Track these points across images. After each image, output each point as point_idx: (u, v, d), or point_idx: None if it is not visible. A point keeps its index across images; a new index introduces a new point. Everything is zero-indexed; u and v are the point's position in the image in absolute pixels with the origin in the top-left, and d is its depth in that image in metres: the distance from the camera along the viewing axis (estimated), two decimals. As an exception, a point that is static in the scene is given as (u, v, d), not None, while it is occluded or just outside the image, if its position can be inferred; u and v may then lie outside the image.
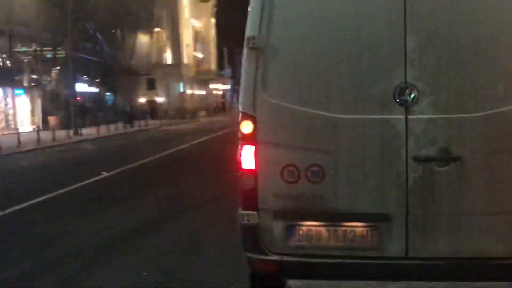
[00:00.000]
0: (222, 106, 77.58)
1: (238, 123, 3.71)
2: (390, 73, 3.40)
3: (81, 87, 38.42)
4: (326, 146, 3.49)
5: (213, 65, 74.99)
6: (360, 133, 3.45)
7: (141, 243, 6.36)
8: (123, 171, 13.10)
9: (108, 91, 47.86)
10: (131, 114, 37.40)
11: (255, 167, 3.58)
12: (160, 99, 59.17)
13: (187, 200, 8.92)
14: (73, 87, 30.19)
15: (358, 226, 3.50)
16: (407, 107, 3.38)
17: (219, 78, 75.38)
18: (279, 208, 3.56)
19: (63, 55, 35.62)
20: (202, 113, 63.40)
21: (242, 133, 3.64)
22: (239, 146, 3.69)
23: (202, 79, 68.61)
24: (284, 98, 3.54)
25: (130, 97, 51.17)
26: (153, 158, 15.84)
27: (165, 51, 53.92)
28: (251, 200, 3.61)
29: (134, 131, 33.13)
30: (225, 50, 74.47)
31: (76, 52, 31.08)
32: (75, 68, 30.10)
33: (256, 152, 3.58)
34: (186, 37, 63.41)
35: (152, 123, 40.92)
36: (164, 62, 57.91)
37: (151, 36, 56.59)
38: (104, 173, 12.52)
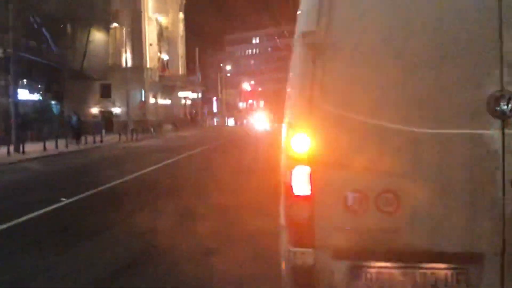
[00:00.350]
0: (191, 118, 77.47)
1: (286, 137, 3.62)
2: (482, 79, 3.35)
3: (22, 94, 37.91)
4: (401, 168, 3.42)
5: (181, 69, 75.01)
6: (445, 152, 3.38)
7: (132, 286, 6.15)
8: (86, 198, 12.85)
9: (54, 99, 47.33)
10: (78, 128, 36.21)
11: (311, 193, 3.50)
12: (116, 110, 58.84)
13: (170, 235, 8.72)
14: (15, 93, 29.68)
15: (441, 268, 3.41)
16: (504, 119, 3.32)
17: (188, 84, 75.36)
18: (342, 245, 3.49)
19: (1, 55, 35.17)
20: (168, 126, 63.14)
21: (293, 151, 3.54)
22: (288, 167, 3.59)
23: (168, 86, 68.51)
24: (348, 107, 3.47)
25: (80, 107, 50.75)
26: (118, 182, 15.60)
27: (124, 52, 53.60)
28: (305, 235, 3.51)
29: (88, 149, 32.74)
30: (196, 50, 74.72)
31: (17, 51, 30.61)
32: (16, 71, 29.61)
33: (312, 175, 3.50)
34: (150, 34, 63.38)
35: (108, 138, 40.53)
36: (122, 64, 57.63)
37: (108, 33, 56.40)
38: (64, 199, 12.26)
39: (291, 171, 3.55)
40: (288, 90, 3.72)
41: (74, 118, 36.77)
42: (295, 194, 3.53)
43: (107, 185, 14.83)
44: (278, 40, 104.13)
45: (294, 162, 3.54)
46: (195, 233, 8.68)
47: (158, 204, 11.69)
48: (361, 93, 3.48)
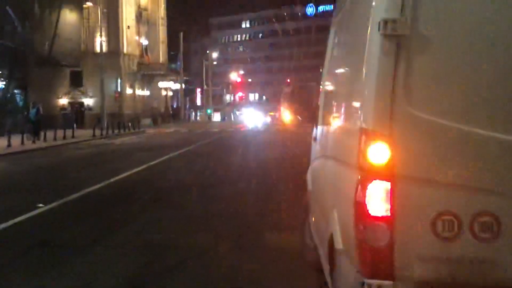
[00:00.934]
0: (173, 112, 77.22)
1: (359, 146, 3.43)
2: None
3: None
4: (503, 185, 3.28)
5: (162, 56, 74.76)
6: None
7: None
8: (67, 203, 12.63)
9: (18, 88, 46.92)
10: (36, 122, 34.94)
11: (391, 214, 3.32)
12: (88, 101, 58.52)
13: (174, 249, 8.56)
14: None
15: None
16: None
17: (169, 73, 75.14)
18: (428, 277, 3.33)
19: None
20: (147, 121, 62.95)
21: (368, 162, 3.36)
22: (361, 181, 3.41)
23: (147, 75, 68.23)
24: (438, 110, 3.31)
25: (46, 97, 50.40)
26: (101, 185, 15.43)
27: (99, 35, 53.28)
28: (383, 264, 3.35)
29: (58, 146, 32.46)
30: (180, 35, 74.44)
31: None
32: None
33: (393, 192, 3.32)
34: (127, 16, 63.10)
35: (80, 134, 40.28)
36: (96, 49, 57.33)
37: (81, 14, 55.99)
38: (41, 205, 12.03)
39: (365, 187, 3.36)
40: (325, 86, 3.50)
41: (33, 111, 35.43)
42: (371, 214, 3.34)
43: (90, 188, 14.65)
44: (276, 24, 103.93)
45: (370, 175, 3.36)
46: (197, 246, 8.52)
47: (150, 213, 11.51)
48: (453, 94, 3.30)
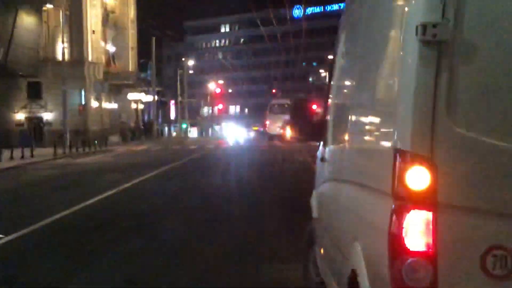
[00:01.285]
0: (144, 127, 77.07)
1: (394, 170, 3.32)
2: None
3: None
4: None
5: (131, 64, 74.70)
6: None
7: None
8: (31, 234, 12.50)
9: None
10: None
11: (434, 249, 3.20)
12: (48, 115, 58.21)
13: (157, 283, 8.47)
14: None
15: None
16: None
17: (140, 83, 75.12)
18: (478, 325, 3.20)
19: None
20: (115, 137, 62.72)
21: (405, 189, 3.25)
22: (396, 210, 3.30)
23: (115, 85, 68.12)
24: (486, 129, 3.23)
25: (0, 111, 50.11)
26: (68, 212, 15.31)
27: (60, 41, 53.07)
28: (426, 309, 3.21)
29: (15, 167, 32.17)
30: (153, 40, 74.50)
31: None
32: None
33: (435, 224, 3.20)
34: (92, 19, 63.05)
35: (39, 153, 39.98)
36: (57, 57, 57.14)
37: (40, 17, 55.81)
38: (1, 236, 11.85)
39: (402, 217, 3.24)
40: (337, 98, 3.40)
41: None
42: (409, 249, 3.22)
43: (56, 216, 14.53)
44: (259, 28, 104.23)
45: (408, 204, 3.23)
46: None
47: (124, 244, 11.39)
48: (504, 110, 3.21)
